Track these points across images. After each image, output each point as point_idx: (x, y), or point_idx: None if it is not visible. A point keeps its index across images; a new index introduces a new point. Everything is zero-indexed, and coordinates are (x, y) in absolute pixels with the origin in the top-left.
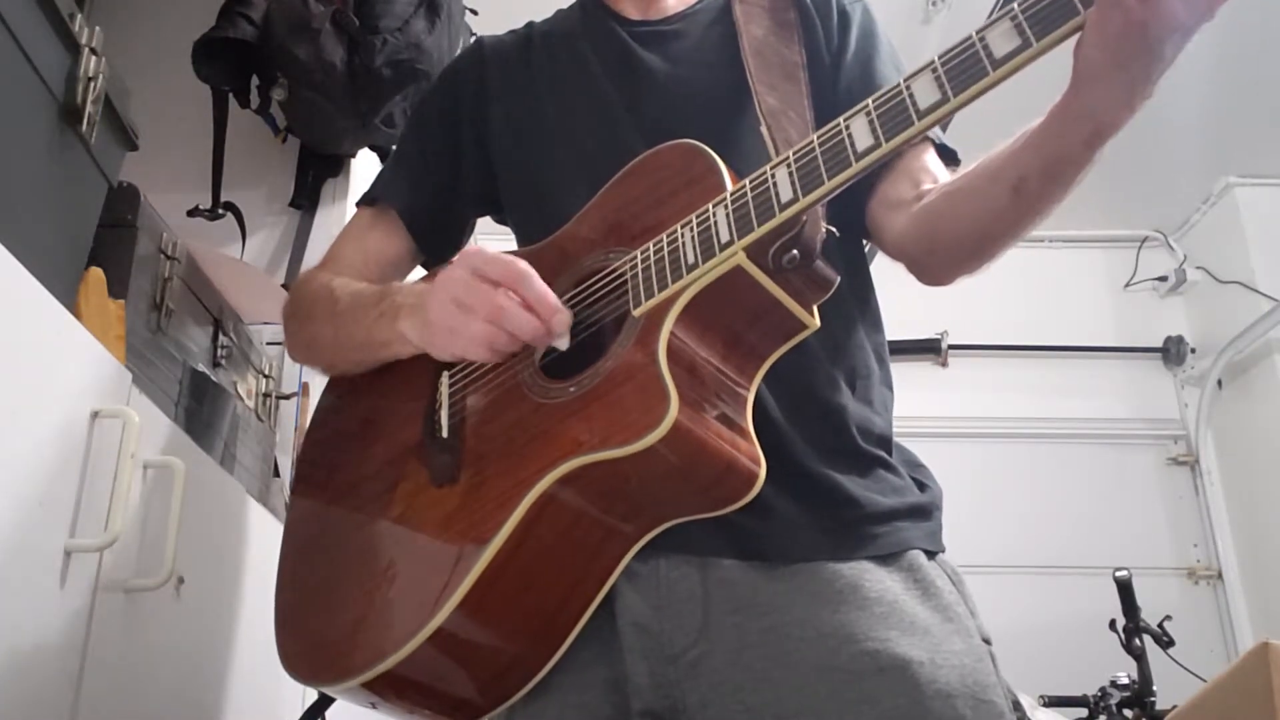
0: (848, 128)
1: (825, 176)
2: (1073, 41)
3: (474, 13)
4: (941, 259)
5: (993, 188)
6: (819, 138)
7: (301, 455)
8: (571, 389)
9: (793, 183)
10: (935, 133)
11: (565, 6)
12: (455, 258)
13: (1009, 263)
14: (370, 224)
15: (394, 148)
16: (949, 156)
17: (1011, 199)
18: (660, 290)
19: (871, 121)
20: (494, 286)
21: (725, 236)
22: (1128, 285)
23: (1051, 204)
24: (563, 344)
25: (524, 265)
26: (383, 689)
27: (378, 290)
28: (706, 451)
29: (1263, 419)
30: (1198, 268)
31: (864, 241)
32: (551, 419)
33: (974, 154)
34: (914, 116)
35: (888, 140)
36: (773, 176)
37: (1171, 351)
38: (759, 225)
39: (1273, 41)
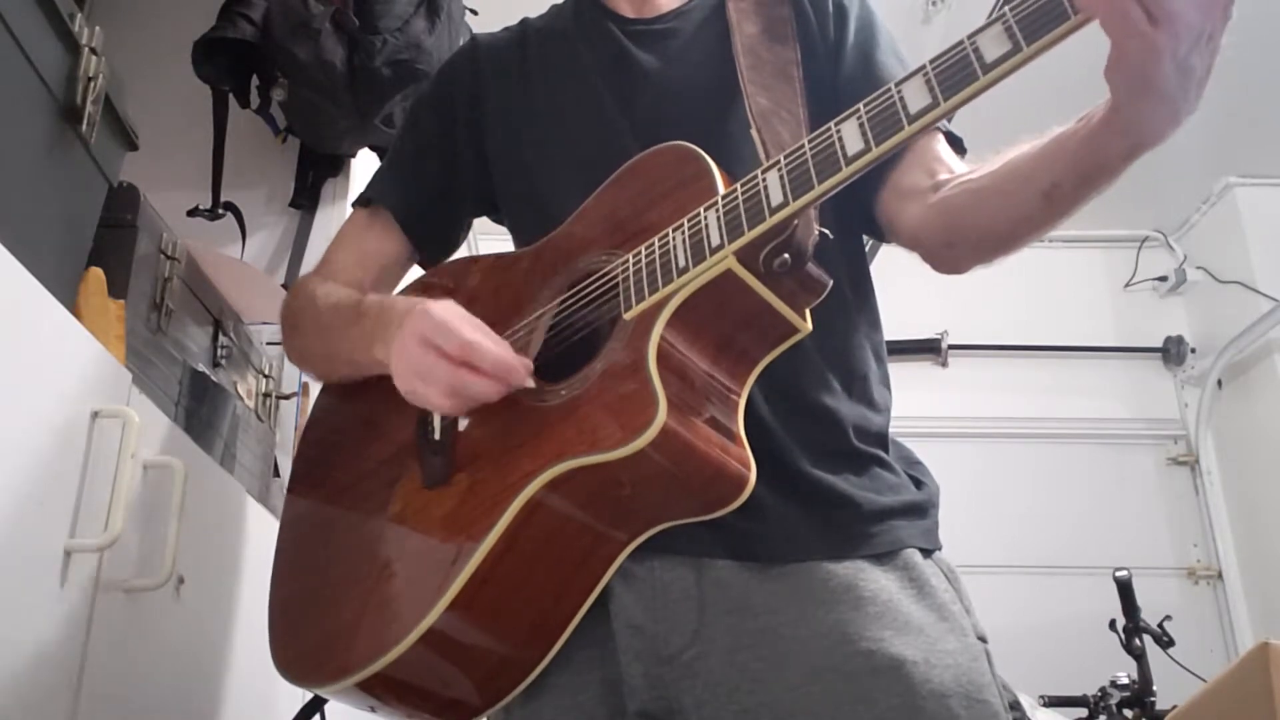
0: (839, 132)
1: (815, 180)
2: (1069, 43)
3: (474, 13)
4: (961, 252)
5: (1023, 190)
6: (810, 141)
7: (297, 456)
8: (562, 392)
9: (783, 186)
10: (942, 122)
11: (560, 3)
12: (405, 318)
13: (1009, 262)
14: (365, 226)
15: (389, 148)
16: (956, 144)
17: (1042, 202)
18: (651, 293)
19: (862, 125)
20: (448, 360)
21: (715, 240)
22: (1128, 285)
23: (1081, 206)
24: (529, 383)
25: (467, 334)
26: (376, 689)
27: (352, 305)
28: (696, 456)
29: (1263, 419)
30: (1198, 268)
31: (864, 239)
32: (541, 422)
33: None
34: (904, 120)
35: (878, 144)
36: (763, 180)
37: (1171, 351)
38: (749, 229)
39: (1273, 42)
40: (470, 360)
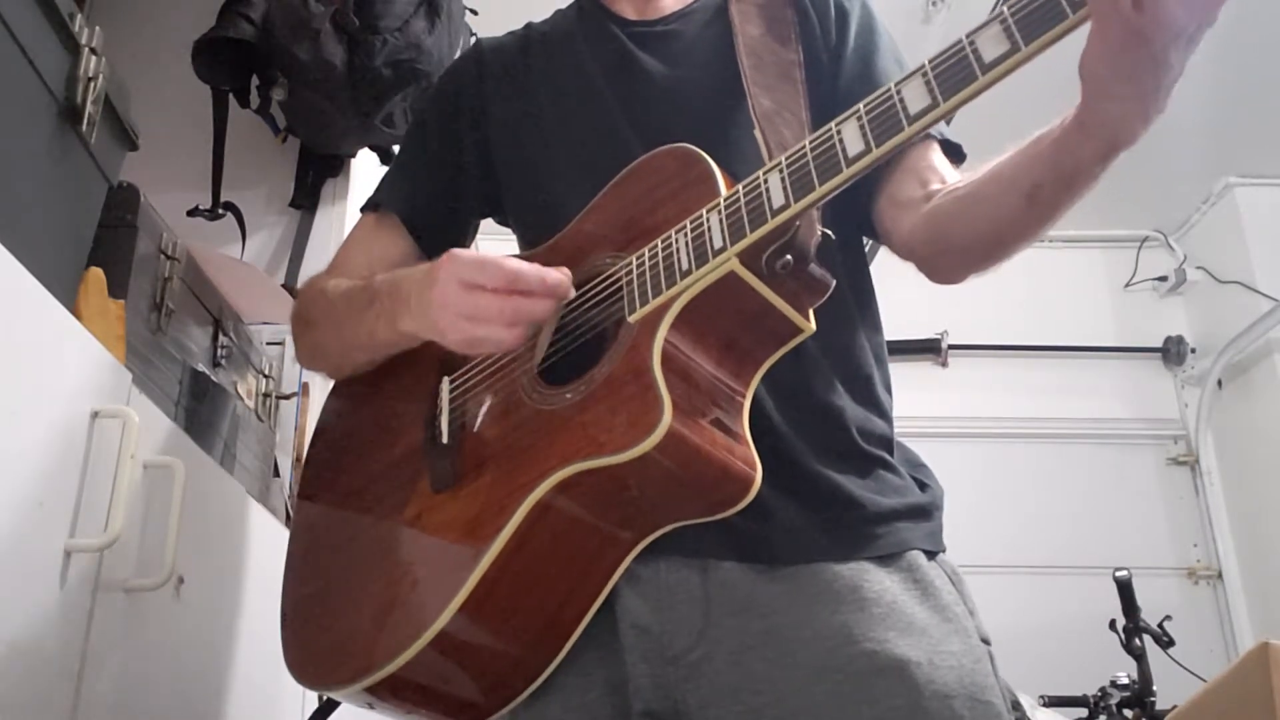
0: (839, 133)
1: (817, 182)
2: (1067, 44)
3: (474, 13)
4: (952, 260)
5: (1006, 194)
6: (811, 143)
7: (306, 461)
8: (568, 395)
9: (785, 188)
10: (940, 129)
11: (564, 6)
12: (435, 269)
13: (1009, 262)
14: (373, 229)
15: (396, 151)
16: (954, 153)
17: (1025, 206)
18: (655, 296)
19: (862, 126)
20: (493, 293)
21: (719, 242)
22: (1128, 285)
23: (1065, 210)
24: (573, 292)
25: (507, 263)
26: (386, 693)
27: (361, 287)
28: (701, 457)
29: (1263, 419)
30: (1198, 268)
31: (864, 241)
32: (548, 425)
33: (979, 154)
34: (904, 121)
35: (878, 145)
36: (765, 182)
37: (1171, 351)
38: (751, 231)
39: (1273, 42)
40: (518, 286)
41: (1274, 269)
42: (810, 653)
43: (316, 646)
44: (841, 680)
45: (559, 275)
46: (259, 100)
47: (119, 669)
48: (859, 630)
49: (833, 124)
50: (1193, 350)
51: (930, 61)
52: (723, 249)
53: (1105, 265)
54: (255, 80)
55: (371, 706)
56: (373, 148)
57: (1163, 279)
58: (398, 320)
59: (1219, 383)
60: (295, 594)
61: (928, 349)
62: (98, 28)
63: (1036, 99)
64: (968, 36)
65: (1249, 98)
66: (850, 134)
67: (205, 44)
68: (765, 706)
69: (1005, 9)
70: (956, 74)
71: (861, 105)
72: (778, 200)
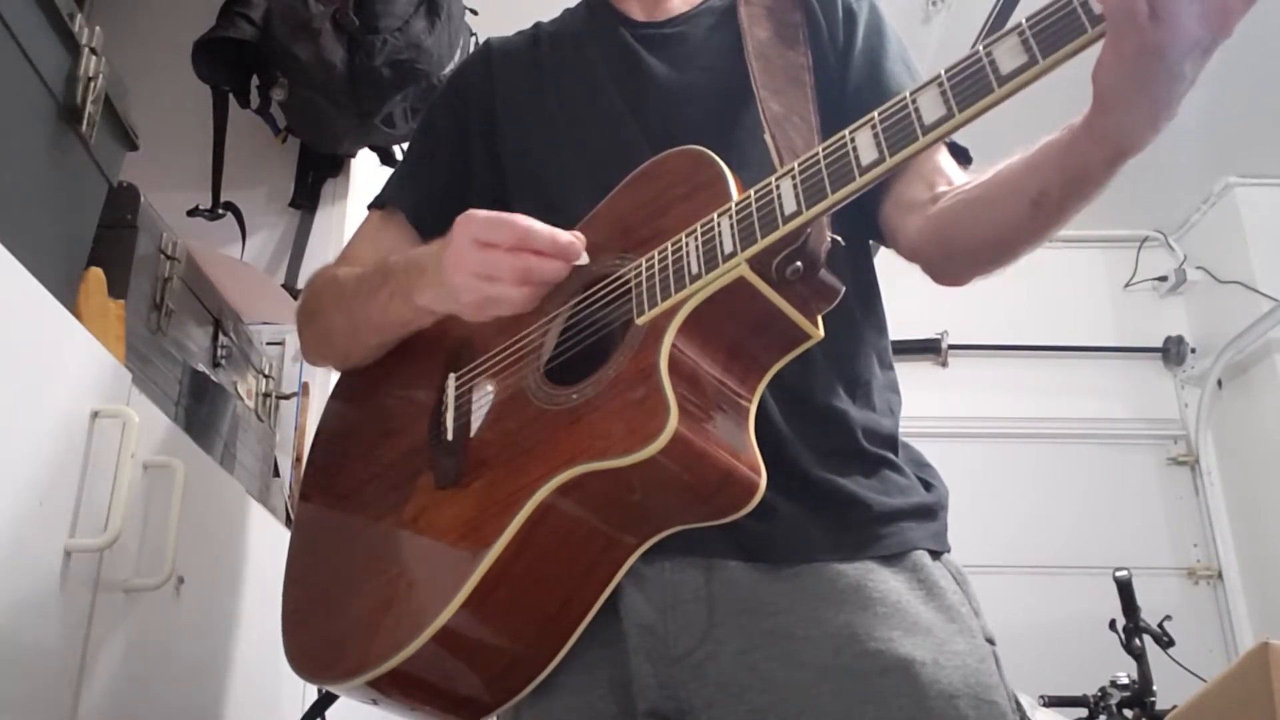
0: (853, 140)
1: (829, 190)
2: (1083, 56)
3: (474, 12)
4: (958, 263)
5: (1012, 198)
6: (824, 150)
7: (310, 455)
8: (574, 396)
9: (797, 195)
10: None
11: (570, 6)
12: (451, 232)
13: None
14: (380, 226)
15: (405, 149)
16: (961, 155)
17: (1031, 211)
18: (663, 300)
19: (876, 135)
20: (506, 251)
21: (729, 247)
22: (1128, 285)
23: (1071, 215)
24: (585, 258)
25: (520, 221)
26: (388, 687)
27: (376, 269)
28: (707, 462)
29: (1263, 419)
30: (1198, 268)
31: (869, 243)
32: (553, 426)
33: (986, 156)
34: (919, 131)
35: (892, 155)
36: (777, 188)
37: (1171, 351)
38: (762, 237)
39: (1273, 42)
40: (529, 244)
41: (1274, 269)
42: (815, 652)
43: (320, 641)
44: (846, 680)
45: (570, 237)
46: (259, 100)
47: (119, 669)
48: (864, 630)
49: (846, 131)
50: (1193, 350)
51: (946, 71)
52: (733, 254)
53: (1105, 265)
54: (255, 80)
55: (375, 702)
56: (373, 148)
57: (1163, 279)
58: (414, 294)
59: (1219, 383)
60: (298, 588)
61: (928, 349)
62: (98, 28)
63: (1046, 102)
64: (984, 47)
65: (1249, 98)
66: (864, 142)
67: (205, 44)
68: (770, 706)
69: (1023, 22)
70: (972, 85)
71: (876, 114)
72: (790, 206)
